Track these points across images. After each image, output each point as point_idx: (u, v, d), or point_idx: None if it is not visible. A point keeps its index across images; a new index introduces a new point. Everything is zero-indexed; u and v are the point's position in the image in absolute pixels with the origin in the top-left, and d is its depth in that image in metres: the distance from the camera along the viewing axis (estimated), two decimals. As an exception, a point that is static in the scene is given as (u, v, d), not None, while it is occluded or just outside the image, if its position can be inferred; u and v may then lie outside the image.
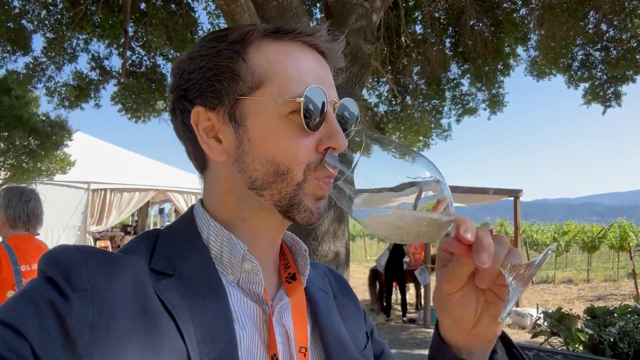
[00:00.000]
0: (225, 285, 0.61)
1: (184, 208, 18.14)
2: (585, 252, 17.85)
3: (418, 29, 9.08)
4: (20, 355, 0.45)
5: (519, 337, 7.78)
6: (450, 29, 8.75)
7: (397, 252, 9.19)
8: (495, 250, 0.52)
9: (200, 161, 0.68)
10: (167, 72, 8.76)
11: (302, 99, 0.59)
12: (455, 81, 9.29)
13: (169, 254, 0.61)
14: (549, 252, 0.55)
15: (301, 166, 0.60)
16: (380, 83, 9.51)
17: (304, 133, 0.60)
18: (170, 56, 8.60)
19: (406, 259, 9.24)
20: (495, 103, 8.88)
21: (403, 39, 8.25)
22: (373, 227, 0.57)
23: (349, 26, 4.12)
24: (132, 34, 8.05)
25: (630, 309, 2.34)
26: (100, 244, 16.42)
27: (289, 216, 0.63)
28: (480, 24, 8.23)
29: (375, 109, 9.87)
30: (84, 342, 0.48)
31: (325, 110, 0.61)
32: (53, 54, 7.16)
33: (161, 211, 26.63)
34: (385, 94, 9.63)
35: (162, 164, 20.00)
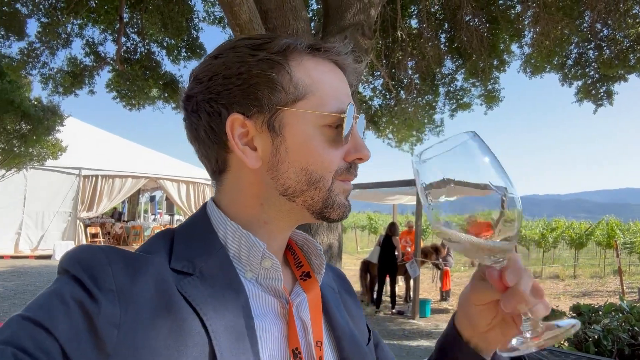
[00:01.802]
0: (244, 283, 0.64)
1: (174, 196, 18.11)
2: (572, 249, 18.07)
3: (414, 23, 9.09)
4: (50, 355, 0.46)
5: (506, 330, 7.90)
6: (446, 24, 8.76)
7: (387, 246, 9.28)
8: (526, 300, 0.57)
9: (221, 165, 0.68)
10: (162, 59, 8.70)
11: (345, 114, 0.64)
12: (449, 76, 9.32)
13: (187, 253, 0.63)
14: (572, 328, 0.58)
15: (331, 173, 0.65)
16: (375, 77, 9.52)
17: (335, 145, 0.65)
18: (165, 43, 8.53)
19: (396, 252, 9.32)
20: (492, 98, 8.92)
21: (399, 32, 8.25)
22: (442, 235, 0.61)
23: (346, 20, 4.12)
24: (127, 20, 7.98)
25: (615, 308, 2.41)
26: (90, 231, 16.36)
27: (324, 216, 0.67)
28: (476, 20, 8.24)
29: (370, 103, 9.88)
30: (113, 342, 0.49)
31: (353, 124, 0.66)
32: (47, 39, 7.08)
33: (152, 199, 26.58)
34: (380, 87, 9.65)
35: (154, 152, 19.90)
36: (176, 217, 22.24)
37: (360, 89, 9.53)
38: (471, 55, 8.31)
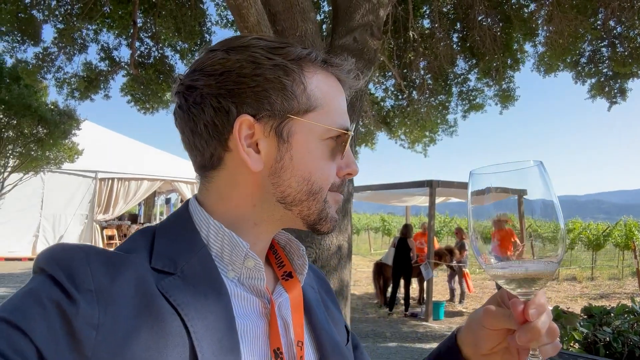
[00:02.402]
0: (226, 283, 0.63)
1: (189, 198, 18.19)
2: (590, 250, 17.77)
3: (426, 23, 9.04)
4: (26, 358, 0.45)
5: (521, 333, 7.80)
6: (458, 24, 8.70)
7: (402, 247, 9.23)
8: (541, 338, 0.58)
9: (215, 161, 0.67)
10: (175, 63, 8.78)
11: (351, 132, 0.67)
12: (462, 76, 9.25)
13: (168, 252, 0.62)
14: None
15: (328, 185, 0.67)
16: (387, 77, 9.48)
17: (333, 158, 0.67)
18: (178, 47, 8.62)
19: (411, 254, 9.27)
20: (507, 98, 8.82)
21: (410, 33, 8.22)
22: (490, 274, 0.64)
23: (355, 21, 4.12)
24: (140, 25, 8.08)
25: (627, 309, 2.36)
26: (107, 233, 16.58)
27: (314, 228, 0.68)
28: (489, 19, 8.17)
29: (382, 104, 9.85)
30: (91, 343, 0.48)
31: (346, 142, 0.68)
32: (63, 44, 7.21)
33: (167, 201, 26.79)
34: (392, 88, 9.61)
35: (169, 155, 20.13)
36: (191, 219, 22.31)
37: (372, 90, 9.52)
38: (484, 54, 8.23)
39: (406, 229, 9.51)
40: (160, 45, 8.59)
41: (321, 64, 0.68)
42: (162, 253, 0.61)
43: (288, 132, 0.64)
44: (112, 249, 0.62)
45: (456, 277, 10.08)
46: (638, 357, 1.99)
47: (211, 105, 0.64)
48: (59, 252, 0.54)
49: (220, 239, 0.64)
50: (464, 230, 11.72)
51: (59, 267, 0.52)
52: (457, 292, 10.39)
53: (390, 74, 9.16)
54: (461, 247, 10.18)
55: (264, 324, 0.65)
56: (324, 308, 0.79)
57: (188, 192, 18.18)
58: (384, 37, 7.29)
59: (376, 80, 9.25)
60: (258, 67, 0.63)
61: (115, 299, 0.52)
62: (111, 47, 8.13)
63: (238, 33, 9.07)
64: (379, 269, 9.83)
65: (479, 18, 8.04)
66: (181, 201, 22.00)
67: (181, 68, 10.46)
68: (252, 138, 0.64)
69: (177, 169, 18.34)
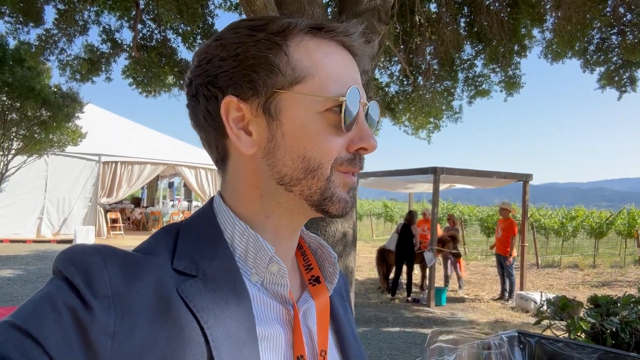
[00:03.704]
0: (248, 287, 0.60)
1: (192, 182, 18.30)
2: (592, 238, 17.79)
3: (433, 7, 8.91)
4: None
5: (522, 320, 7.85)
6: (466, 8, 8.57)
7: (406, 234, 9.25)
8: None
9: (221, 152, 0.65)
10: (178, 46, 8.71)
11: (344, 98, 0.59)
12: (468, 62, 9.14)
13: (191, 253, 0.59)
14: None
15: (330, 161, 0.61)
16: (393, 62, 9.39)
17: (337, 132, 0.61)
18: (180, 30, 8.54)
19: (414, 241, 9.29)
20: (512, 85, 8.73)
21: (417, 17, 8.11)
22: None
23: (362, 5, 4.06)
24: (143, 6, 7.99)
25: (633, 299, 2.35)
26: (110, 216, 16.66)
27: (323, 209, 0.62)
28: (497, 4, 8.04)
29: (387, 89, 9.77)
30: (107, 352, 0.47)
31: (358, 111, 0.62)
32: (64, 26, 7.14)
33: (170, 185, 26.92)
34: (397, 73, 9.52)
35: (172, 139, 20.12)
36: (194, 203, 22.53)
37: (377, 75, 9.43)
38: (491, 40, 8.13)
39: (410, 216, 9.51)
40: (163, 27, 8.50)
41: (311, 31, 0.62)
42: (185, 253, 0.59)
43: (276, 108, 0.60)
44: (133, 248, 0.60)
45: (449, 264, 10.14)
46: (646, 348, 1.98)
47: (203, 95, 0.63)
48: (77, 254, 0.52)
49: (245, 241, 0.62)
50: (455, 217, 11.75)
51: (76, 271, 0.50)
52: (452, 278, 10.45)
53: (395, 59, 9.06)
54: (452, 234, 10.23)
55: (287, 332, 0.62)
56: (348, 314, 0.77)
57: (191, 177, 18.21)
58: (390, 21, 7.18)
59: (381, 65, 9.16)
60: (239, 46, 0.61)
61: (132, 305, 0.50)
62: (113, 29, 8.05)
63: (242, 16, 8.97)
64: (382, 255, 9.86)
65: (487, 3, 7.92)
66: (184, 185, 22.06)
67: (183, 51, 10.39)
68: (243, 121, 0.62)
69: (180, 152, 18.35)
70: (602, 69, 8.17)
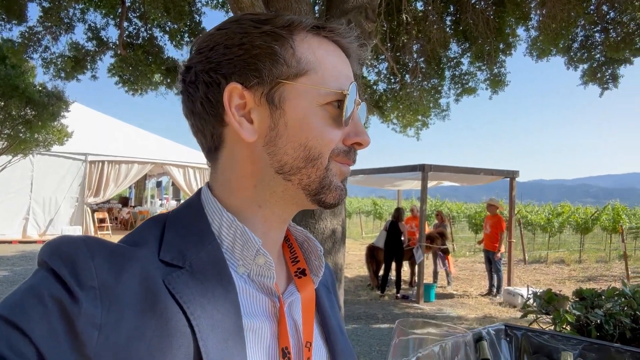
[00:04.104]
0: (235, 279, 0.61)
1: (180, 182, 18.18)
2: (578, 234, 18.03)
3: (419, 5, 8.95)
4: (25, 358, 0.44)
5: (510, 315, 7.94)
6: (452, 6, 8.63)
7: (394, 231, 9.29)
8: None
9: (216, 140, 0.66)
10: (165, 44, 8.64)
11: (347, 92, 0.62)
12: (455, 60, 9.20)
13: (178, 244, 0.59)
14: None
15: (329, 151, 0.63)
16: (380, 60, 9.41)
17: (336, 125, 0.63)
18: (167, 28, 8.47)
19: (402, 238, 9.34)
20: (497, 83, 8.81)
21: (404, 15, 8.14)
22: None
23: (349, 3, 4.07)
24: (129, 4, 7.91)
25: (617, 292, 2.40)
26: (98, 216, 16.49)
27: (319, 199, 0.64)
28: (482, 3, 8.11)
29: (374, 87, 9.80)
30: (93, 344, 0.47)
31: (354, 108, 0.65)
32: (49, 24, 7.04)
33: (158, 184, 26.69)
34: (385, 71, 9.55)
35: (160, 137, 19.97)
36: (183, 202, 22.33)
37: (365, 73, 9.45)
38: (477, 38, 8.19)
39: (398, 213, 9.56)
40: (149, 25, 8.43)
41: (314, 29, 0.65)
42: (172, 244, 0.59)
43: (280, 97, 0.62)
44: (120, 240, 0.60)
45: (438, 260, 10.23)
46: (629, 338, 2.03)
47: (203, 81, 0.63)
48: (63, 246, 0.52)
49: (233, 232, 0.62)
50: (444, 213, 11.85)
51: (62, 262, 0.50)
52: (441, 274, 10.53)
53: (383, 57, 9.09)
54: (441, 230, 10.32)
55: (272, 324, 0.63)
56: (335, 307, 0.78)
57: (179, 176, 18.10)
58: (378, 19, 7.20)
59: (369, 63, 9.18)
60: (245, 36, 0.62)
61: (119, 297, 0.50)
62: (99, 26, 7.96)
63: (229, 14, 8.93)
64: (371, 252, 9.90)
65: (472, 1, 7.98)
66: (172, 184, 21.91)
67: (171, 49, 10.33)
68: (244, 108, 0.63)
69: (168, 151, 18.22)
70: (586, 66, 8.28)
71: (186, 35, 8.57)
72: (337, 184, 0.64)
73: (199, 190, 0.69)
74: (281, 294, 0.65)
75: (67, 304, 0.47)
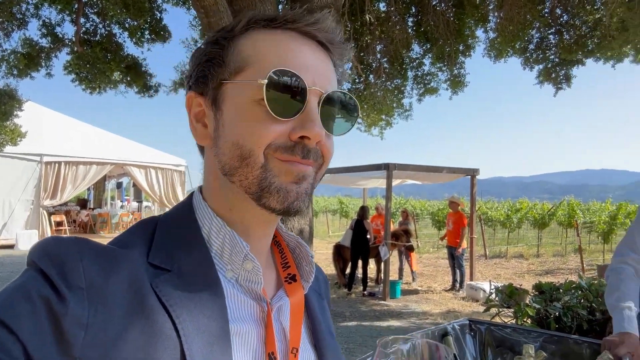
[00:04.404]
0: (223, 283, 0.60)
1: (142, 183, 17.74)
2: (536, 229, 18.71)
3: (382, 6, 9.06)
4: (11, 356, 0.44)
5: (473, 309, 8.16)
6: (414, 8, 8.78)
7: (359, 229, 9.37)
8: None
9: (199, 146, 0.69)
10: (124, 41, 8.41)
11: (264, 81, 0.57)
12: (417, 61, 9.37)
13: (167, 247, 0.60)
14: None
15: (262, 147, 0.58)
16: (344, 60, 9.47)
17: (275, 119, 0.58)
18: (127, 25, 8.25)
19: (368, 236, 9.44)
20: (457, 83, 9.03)
21: (367, 16, 8.22)
22: None
23: (313, 3, 4.06)
24: (86, 0, 7.66)
25: (574, 285, 2.51)
26: (55, 219, 15.90)
27: (263, 203, 0.60)
28: (443, 5, 8.29)
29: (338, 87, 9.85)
30: (79, 343, 0.47)
31: (299, 97, 0.58)
32: (0, 20, 6.72)
33: (119, 185, 25.96)
34: (349, 71, 9.62)
35: (120, 137, 19.39)
36: (144, 203, 21.84)
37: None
38: (438, 39, 8.36)
39: (362, 211, 9.65)
40: (108, 22, 8.18)
41: (264, 24, 0.62)
42: (161, 248, 0.59)
43: (221, 98, 0.62)
44: (109, 241, 0.61)
45: (403, 257, 10.42)
46: (585, 330, 2.13)
47: (185, 93, 0.68)
48: (52, 246, 0.52)
49: (222, 237, 0.62)
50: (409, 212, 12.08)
51: (51, 262, 0.50)
52: (406, 271, 10.72)
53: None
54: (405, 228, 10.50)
55: (259, 329, 0.62)
56: (326, 313, 0.77)
57: (141, 176, 17.66)
58: (342, 19, 7.24)
59: (333, 63, 9.21)
60: (200, 47, 0.65)
61: (106, 298, 0.50)
62: (54, 22, 7.67)
63: (191, 11, 8.76)
64: (338, 250, 9.96)
65: (434, 3, 8.14)
66: (133, 185, 21.34)
67: (130, 47, 10.02)
68: (203, 114, 0.65)
69: (129, 152, 17.72)
70: (541, 66, 8.60)
71: (147, 32, 8.38)
72: (279, 184, 0.59)
73: (191, 194, 0.69)
74: (270, 299, 0.65)
75: (54, 303, 0.48)
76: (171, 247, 0.60)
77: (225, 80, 0.61)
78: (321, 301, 0.78)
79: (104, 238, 15.61)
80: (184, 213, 0.65)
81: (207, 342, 0.54)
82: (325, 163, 0.65)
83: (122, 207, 22.90)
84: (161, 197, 17.91)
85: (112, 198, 25.58)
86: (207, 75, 0.63)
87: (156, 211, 21.84)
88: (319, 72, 0.61)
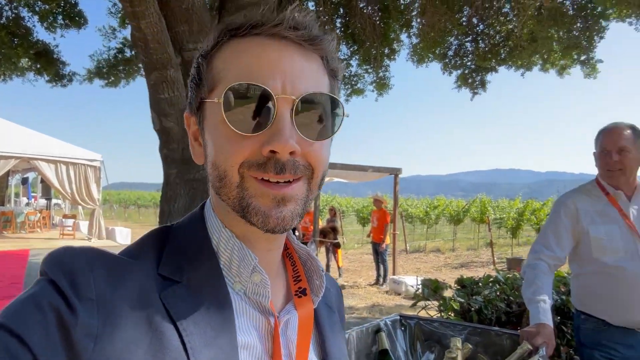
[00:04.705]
0: (231, 295, 0.60)
1: (52, 178, 16.42)
2: (451, 224, 19.85)
3: (311, 5, 9.13)
4: None
5: (396, 302, 8.49)
6: (342, 9, 8.94)
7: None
8: None
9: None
10: (34, 25, 7.75)
11: (220, 100, 0.55)
12: (345, 62, 9.55)
13: (177, 258, 0.60)
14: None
15: (235, 166, 0.56)
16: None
17: (243, 136, 0.55)
18: (37, 8, 7.60)
19: (296, 233, 9.49)
20: (382, 86, 9.34)
21: (296, 14, 8.24)
22: None
23: (245, 0, 4.01)
24: (-12, -22, 6.95)
25: (492, 279, 2.70)
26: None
27: (250, 221, 0.58)
28: (370, 8, 8.52)
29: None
30: (88, 354, 0.47)
31: (265, 109, 0.55)
32: None
33: (24, 181, 23.93)
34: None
35: (27, 129, 17.81)
36: (54, 201, 20.31)
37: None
38: (364, 42, 8.58)
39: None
40: (15, 4, 7.49)
41: (233, 33, 0.59)
42: (171, 259, 0.59)
43: (202, 118, 0.61)
44: (120, 251, 0.60)
45: (330, 254, 10.64)
46: (504, 321, 2.31)
47: None
48: (63, 257, 0.52)
49: (230, 249, 0.61)
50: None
51: (62, 273, 0.50)
52: (333, 267, 10.94)
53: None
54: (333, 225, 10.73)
55: (266, 343, 0.62)
56: (337, 327, 0.76)
57: (50, 172, 16.36)
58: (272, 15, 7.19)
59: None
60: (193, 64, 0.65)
61: (115, 310, 0.50)
62: (-51, 1, 6.89)
63: (113, -1, 8.25)
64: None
65: (361, 5, 8.34)
66: (41, 181, 19.75)
67: (41, 32, 9.23)
68: (199, 133, 0.65)
69: (37, 145, 16.35)
70: (459, 72, 9.13)
71: (60, 17, 7.78)
72: (257, 207, 0.56)
73: (203, 204, 0.68)
74: (278, 313, 0.64)
75: (64, 314, 0.48)
76: (181, 258, 0.60)
77: (204, 99, 0.61)
78: (331, 315, 0.76)
79: (9, 239, 14.32)
80: (196, 223, 0.65)
81: (214, 356, 0.53)
82: (317, 171, 0.60)
83: (28, 204, 21.14)
84: (73, 195, 16.72)
85: (17, 195, 23.53)
86: (192, 96, 0.63)
87: (66, 209, 20.42)
88: (293, 75, 0.57)
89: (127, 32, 8.43)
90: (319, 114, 0.59)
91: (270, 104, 0.55)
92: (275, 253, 0.68)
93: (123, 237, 15.82)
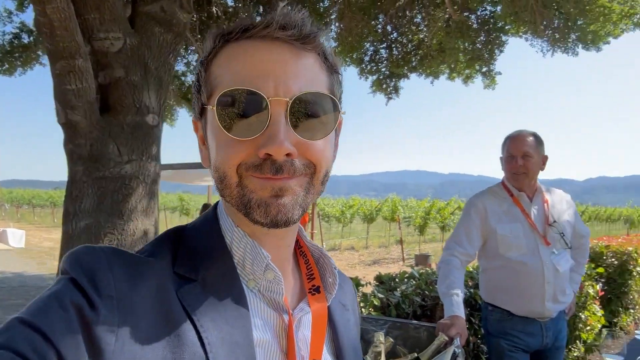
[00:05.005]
0: (246, 293, 0.61)
1: None
2: (365, 223, 20.54)
3: (230, 1, 8.97)
4: None
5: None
6: (261, 7, 8.89)
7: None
8: None
9: None
10: None
11: (212, 107, 0.57)
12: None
13: (192, 258, 0.61)
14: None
15: (233, 168, 0.58)
16: (190, 52, 9.15)
17: (239, 141, 0.56)
18: None
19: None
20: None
21: (214, 8, 8.07)
22: None
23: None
24: None
25: (407, 275, 2.85)
26: None
27: (252, 218, 0.59)
28: (289, 7, 8.56)
29: (183, 78, 9.48)
30: (110, 350, 0.48)
31: (258, 112, 0.56)
32: None
33: None
34: (194, 63, 9.31)
35: None
36: None
37: (178, 66, 9.05)
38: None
39: (205, 209, 9.46)
40: None
41: (228, 38, 0.60)
42: (186, 258, 0.61)
43: (204, 123, 0.64)
44: (137, 250, 0.62)
45: None
46: (419, 315, 2.44)
47: None
48: (82, 255, 0.54)
49: (243, 248, 0.63)
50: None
51: (82, 271, 0.52)
52: None
53: (193, 48, 8.86)
54: None
55: (282, 339, 0.63)
56: (351, 325, 0.77)
57: None
58: (193, 12, 6.98)
59: (181, 53, 8.83)
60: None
61: (134, 307, 0.52)
62: None
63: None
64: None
65: (282, 5, 8.35)
66: None
67: None
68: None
69: None
70: (374, 77, 9.48)
71: None
72: (259, 199, 0.57)
73: (216, 204, 0.70)
74: (292, 310, 0.65)
75: (85, 311, 0.49)
76: (196, 257, 0.61)
77: (204, 105, 0.62)
78: (345, 312, 0.76)
79: None
80: (210, 223, 0.66)
81: (231, 352, 0.55)
82: (319, 168, 0.61)
83: None
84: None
85: None
86: (195, 101, 0.65)
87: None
88: (285, 76, 0.57)
89: (25, 16, 7.73)
90: (316, 112, 0.59)
91: (263, 107, 0.55)
92: (286, 250, 0.68)
93: (16, 239, 14.44)
